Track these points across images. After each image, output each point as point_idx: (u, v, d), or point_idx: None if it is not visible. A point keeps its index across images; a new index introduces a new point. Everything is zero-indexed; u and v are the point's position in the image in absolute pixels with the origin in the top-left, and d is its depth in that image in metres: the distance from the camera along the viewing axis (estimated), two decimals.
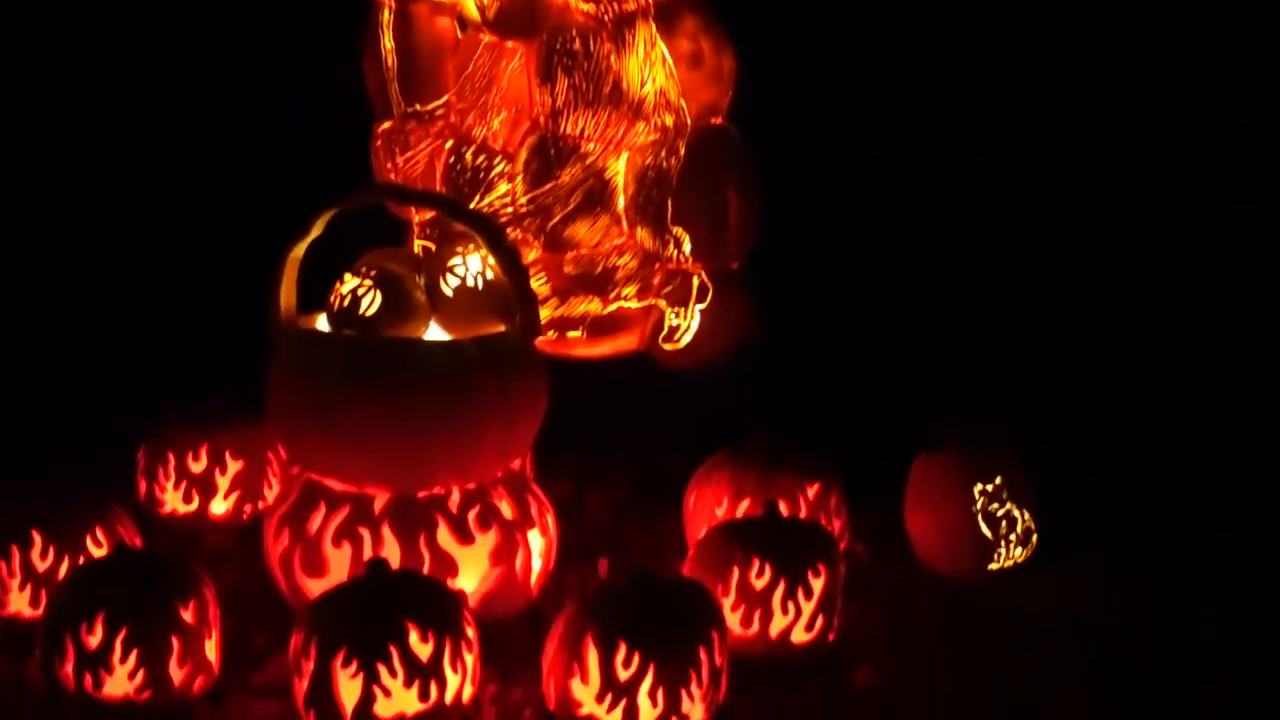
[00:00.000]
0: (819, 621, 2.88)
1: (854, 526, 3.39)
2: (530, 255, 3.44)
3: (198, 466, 3.44)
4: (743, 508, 3.22)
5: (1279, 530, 3.63)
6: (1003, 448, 3.34)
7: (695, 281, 3.47)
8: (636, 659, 2.52)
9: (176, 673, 2.61)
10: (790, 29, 4.33)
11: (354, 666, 2.46)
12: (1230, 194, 4.43)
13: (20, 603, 2.91)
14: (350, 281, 2.95)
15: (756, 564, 2.85)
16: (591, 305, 3.48)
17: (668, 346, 3.50)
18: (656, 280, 3.47)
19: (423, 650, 2.49)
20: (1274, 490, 3.84)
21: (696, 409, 3.77)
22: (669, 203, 3.40)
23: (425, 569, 2.85)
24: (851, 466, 3.38)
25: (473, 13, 3.39)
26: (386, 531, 2.88)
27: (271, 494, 3.48)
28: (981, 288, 4.56)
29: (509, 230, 3.38)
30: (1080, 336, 4.53)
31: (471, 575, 2.91)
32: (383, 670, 2.46)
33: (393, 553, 2.86)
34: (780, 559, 2.85)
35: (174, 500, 3.46)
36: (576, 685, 2.55)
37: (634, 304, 3.48)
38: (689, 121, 3.41)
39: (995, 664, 2.93)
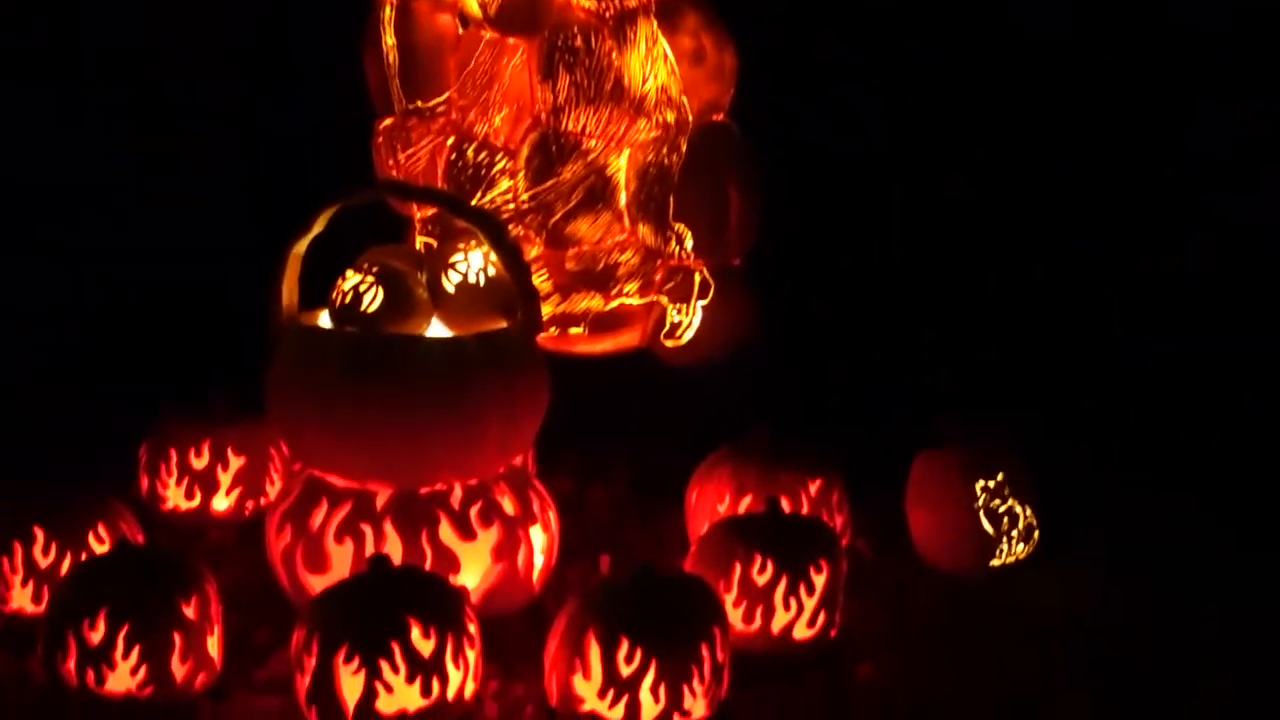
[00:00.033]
0: (821, 618, 2.88)
1: (856, 523, 3.39)
2: (532, 252, 3.44)
3: (199, 463, 3.44)
4: (744, 504, 3.22)
5: None
6: (1004, 444, 3.34)
7: (697, 278, 3.47)
8: (639, 655, 2.52)
9: (179, 669, 2.61)
10: (792, 25, 4.33)
11: (356, 663, 2.46)
12: (1232, 190, 4.43)
13: (23, 599, 2.91)
14: (352, 278, 2.95)
15: (758, 560, 2.85)
16: (593, 302, 3.48)
17: (669, 343, 3.49)
18: (658, 277, 3.47)
19: (425, 646, 2.49)
20: (1275, 487, 3.84)
21: (698, 405, 3.77)
22: (670, 199, 3.40)
23: (427, 565, 2.85)
24: (853, 463, 3.38)
25: (474, 9, 3.39)
26: (388, 527, 2.88)
27: (273, 490, 3.48)
28: (983, 284, 4.55)
29: (510, 227, 3.37)
30: (1082, 333, 4.53)
31: (473, 571, 2.91)
32: (385, 666, 2.46)
33: (395, 549, 2.86)
34: (782, 555, 2.85)
35: (176, 496, 3.46)
36: (579, 681, 2.55)
37: (635, 300, 3.48)
38: (690, 118, 3.40)
39: (997, 660, 2.93)
